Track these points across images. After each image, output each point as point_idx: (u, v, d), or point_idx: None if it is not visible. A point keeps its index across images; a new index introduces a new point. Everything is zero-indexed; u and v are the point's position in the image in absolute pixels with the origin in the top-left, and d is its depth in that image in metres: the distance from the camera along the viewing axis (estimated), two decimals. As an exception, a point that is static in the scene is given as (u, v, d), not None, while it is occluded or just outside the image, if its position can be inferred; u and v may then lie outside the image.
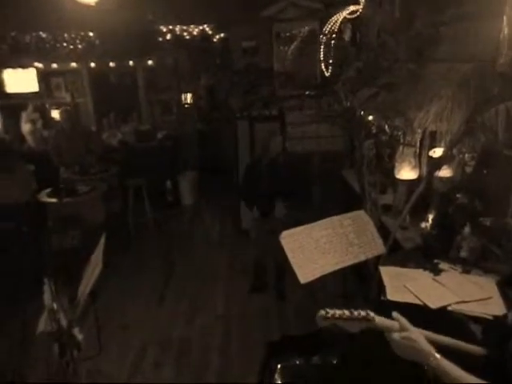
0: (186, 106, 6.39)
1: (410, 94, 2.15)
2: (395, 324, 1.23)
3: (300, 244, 2.13)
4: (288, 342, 3.05)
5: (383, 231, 2.65)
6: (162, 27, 5.58)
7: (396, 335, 1.21)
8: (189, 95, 6.40)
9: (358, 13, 3.12)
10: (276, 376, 2.29)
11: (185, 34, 5.65)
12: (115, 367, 3.04)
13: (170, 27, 5.60)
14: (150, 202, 5.40)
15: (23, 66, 5.88)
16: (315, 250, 2.14)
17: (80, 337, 1.85)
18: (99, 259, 2.22)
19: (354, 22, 3.73)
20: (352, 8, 3.16)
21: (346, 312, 1.17)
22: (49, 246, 3.85)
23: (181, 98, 6.33)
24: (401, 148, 2.72)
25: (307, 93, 2.89)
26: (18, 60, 5.79)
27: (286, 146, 5.18)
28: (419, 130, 2.19)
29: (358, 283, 3.39)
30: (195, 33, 5.65)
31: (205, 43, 5.72)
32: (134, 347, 3.27)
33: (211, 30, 5.64)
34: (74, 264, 2.71)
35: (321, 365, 2.71)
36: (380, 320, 1.21)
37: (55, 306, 2.07)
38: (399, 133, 2.61)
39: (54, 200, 4.29)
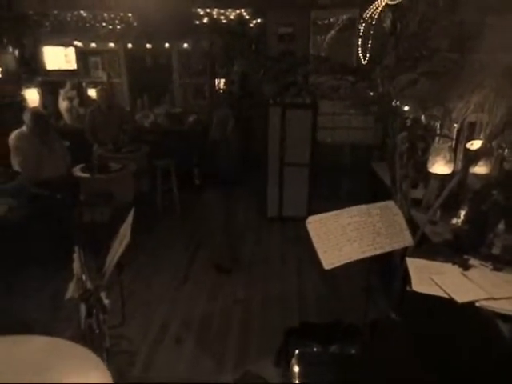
0: (221, 91, 6.38)
1: (451, 83, 2.08)
2: None
3: (326, 229, 2.11)
4: (307, 330, 3.06)
5: (412, 225, 2.60)
6: (199, 10, 5.58)
7: None
8: (222, 80, 6.39)
9: (401, -1, 3.02)
10: (293, 361, 2.30)
11: (221, 17, 5.63)
12: (138, 338, 3.14)
13: (208, 10, 5.59)
14: (178, 184, 5.48)
15: (63, 44, 6.01)
16: (341, 236, 2.12)
17: (106, 301, 1.91)
18: (127, 231, 2.28)
19: (394, 10, 3.63)
20: (395, -6, 3.05)
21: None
22: (80, 218, 3.98)
23: (214, 82, 6.33)
24: (436, 140, 2.64)
25: (342, 81, 2.83)
26: (58, 38, 5.92)
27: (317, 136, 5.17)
28: (458, 121, 2.12)
29: (381, 275, 3.35)
30: (232, 17, 5.62)
31: (241, 28, 5.68)
32: (156, 322, 3.36)
33: (248, 14, 5.60)
34: (103, 238, 2.79)
35: (339, 354, 2.71)
36: None
37: (84, 276, 2.15)
38: (436, 123, 2.54)
39: (86, 175, 4.42)
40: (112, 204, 4.24)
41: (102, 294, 1.93)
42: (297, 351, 2.34)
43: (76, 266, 2.19)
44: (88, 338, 1.84)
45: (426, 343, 1.77)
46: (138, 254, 4.18)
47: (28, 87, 5.80)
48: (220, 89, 6.41)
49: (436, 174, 3.01)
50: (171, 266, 4.24)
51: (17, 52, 5.73)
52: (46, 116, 4.33)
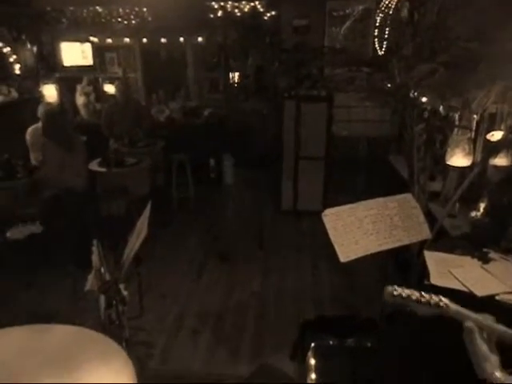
0: (235, 85, 6.37)
1: (471, 73, 2.03)
2: (472, 315, 1.08)
3: (343, 222, 2.10)
4: (322, 323, 3.05)
5: (430, 219, 2.57)
6: (213, 3, 5.57)
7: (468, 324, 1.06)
8: (236, 74, 6.38)
9: (418, -12, 2.96)
10: (309, 354, 2.30)
11: (236, 10, 5.60)
12: (156, 329, 3.19)
13: (222, 4, 5.57)
14: (193, 178, 5.51)
15: (80, 40, 6.08)
16: (358, 229, 2.10)
17: (125, 293, 1.94)
18: (145, 225, 2.30)
19: (412, 0, 3.56)
20: (412, -17, 3.00)
21: (415, 293, 1.08)
22: (97, 212, 4.02)
23: (228, 76, 6.33)
24: (455, 131, 2.59)
25: (358, 73, 2.80)
26: (75, 34, 5.99)
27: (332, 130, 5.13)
28: (477, 112, 2.07)
29: (398, 268, 3.32)
30: (246, 10, 5.59)
31: (255, 21, 5.65)
32: (172, 314, 3.40)
33: (262, 7, 5.57)
34: (120, 231, 2.83)
35: (355, 347, 2.71)
36: (455, 308, 1.08)
37: (102, 268, 2.18)
38: (455, 114, 2.48)
39: (103, 169, 4.47)
40: (128, 198, 4.29)
41: (121, 286, 1.96)
42: (312, 344, 2.34)
43: (95, 258, 2.23)
44: (107, 329, 1.87)
45: (444, 336, 1.75)
46: (154, 247, 4.22)
47: (46, 83, 5.88)
48: (235, 82, 6.40)
49: (455, 167, 2.96)
50: (187, 258, 4.28)
51: (35, 48, 5.82)
52: (61, 113, 4.26)
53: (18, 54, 5.16)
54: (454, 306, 1.06)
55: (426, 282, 1.88)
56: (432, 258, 2.01)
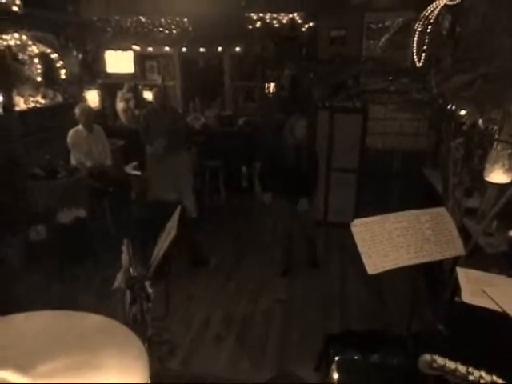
0: (270, 95, 6.41)
1: (513, 84, 1.95)
2: None
3: (372, 234, 2.05)
4: (348, 337, 2.98)
5: (464, 235, 2.47)
6: (252, 14, 5.66)
7: None
8: (272, 84, 6.43)
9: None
10: (333, 367, 2.25)
11: (274, 22, 5.66)
12: (180, 331, 3.21)
13: (260, 15, 5.65)
14: (225, 185, 5.57)
15: (123, 48, 6.32)
16: (388, 241, 2.05)
17: (150, 290, 1.98)
18: (174, 227, 2.34)
19: (454, 12, 3.48)
20: (454, -6, 2.93)
21: (461, 368, 0.88)
22: (130, 213, 4.13)
23: (264, 86, 6.39)
24: (495, 145, 2.49)
25: (393, 88, 2.76)
26: (118, 42, 6.23)
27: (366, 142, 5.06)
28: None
29: (428, 283, 3.21)
30: (284, 21, 5.64)
31: (293, 32, 5.69)
32: (198, 318, 3.42)
33: (301, 18, 5.60)
34: (151, 232, 2.88)
35: (380, 363, 2.62)
36: None
37: (131, 269, 2.23)
38: (495, 127, 2.39)
39: (137, 173, 4.60)
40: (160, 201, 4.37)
41: (147, 283, 1.99)
42: (336, 358, 2.28)
43: (124, 257, 2.28)
44: (131, 326, 1.89)
45: (475, 358, 1.67)
46: (183, 251, 4.27)
47: (89, 89, 6.14)
48: (270, 92, 6.45)
49: (493, 183, 2.84)
50: (215, 263, 4.30)
51: (80, 55, 6.09)
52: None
53: (64, 60, 5.41)
54: None
55: (456, 299, 1.81)
56: (464, 275, 1.93)
